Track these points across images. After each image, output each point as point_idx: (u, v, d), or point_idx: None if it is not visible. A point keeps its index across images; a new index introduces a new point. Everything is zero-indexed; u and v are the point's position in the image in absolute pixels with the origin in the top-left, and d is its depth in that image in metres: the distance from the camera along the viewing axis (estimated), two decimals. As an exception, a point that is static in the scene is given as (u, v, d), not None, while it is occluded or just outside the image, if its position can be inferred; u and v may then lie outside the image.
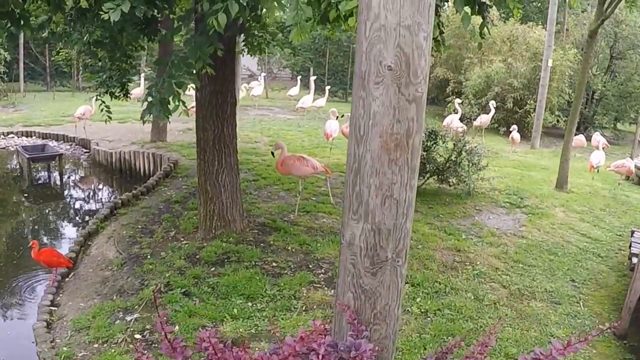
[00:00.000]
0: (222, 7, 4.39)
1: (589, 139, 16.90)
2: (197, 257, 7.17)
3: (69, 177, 13.79)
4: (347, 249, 2.80)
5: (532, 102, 20.05)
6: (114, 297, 6.34)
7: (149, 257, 7.31)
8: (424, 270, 7.06)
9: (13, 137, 16.52)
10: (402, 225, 2.70)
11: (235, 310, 5.84)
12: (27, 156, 12.57)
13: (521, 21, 22.95)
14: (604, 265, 8.09)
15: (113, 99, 8.23)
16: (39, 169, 13.60)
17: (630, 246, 7.63)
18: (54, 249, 7.15)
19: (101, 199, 12.18)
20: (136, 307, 6.03)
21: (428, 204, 10.03)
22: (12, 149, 15.01)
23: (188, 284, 6.40)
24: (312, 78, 21.13)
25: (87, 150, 14.97)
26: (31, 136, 16.65)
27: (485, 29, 6.71)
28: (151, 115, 5.41)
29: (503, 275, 7.23)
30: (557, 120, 21.10)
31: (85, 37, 5.51)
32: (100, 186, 13.34)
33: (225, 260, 7.03)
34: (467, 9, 5.66)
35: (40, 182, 13.27)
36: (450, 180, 10.42)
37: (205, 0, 4.54)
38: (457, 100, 17.65)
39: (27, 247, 6.88)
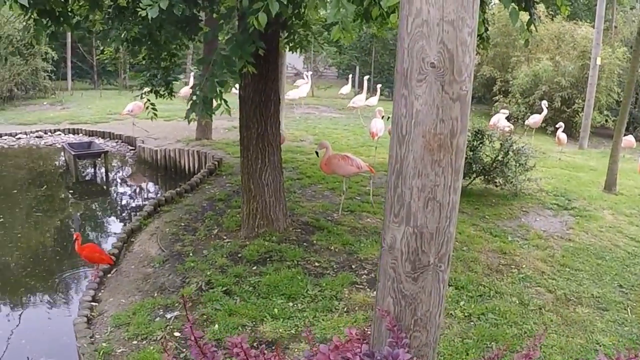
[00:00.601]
0: (262, 5, 4.33)
1: (638, 139, 16.46)
2: (239, 255, 7.14)
3: (114, 174, 13.93)
4: (388, 253, 2.72)
5: (580, 101, 19.63)
6: (155, 294, 6.35)
7: (190, 254, 7.31)
8: (468, 273, 6.92)
9: (60, 135, 16.80)
10: (445, 229, 2.61)
11: (275, 310, 5.79)
12: (73, 153, 12.72)
13: (569, 18, 22.49)
14: (653, 270, 7.84)
15: (158, 97, 8.25)
16: (85, 165, 13.77)
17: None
18: (97, 245, 7.21)
19: (145, 196, 12.26)
20: (176, 304, 6.03)
21: (474, 204, 9.86)
22: (59, 146, 15.22)
23: (229, 283, 6.37)
24: (366, 77, 20.94)
25: (133, 148, 15.12)
26: (78, 133, 16.93)
27: (533, 25, 6.51)
28: (195, 114, 5.39)
29: (549, 280, 7.04)
30: (606, 120, 20.59)
31: (123, 35, 5.50)
32: (145, 183, 13.46)
33: (267, 259, 6.99)
34: (515, 5, 5.50)
35: (85, 178, 13.46)
36: (497, 180, 10.22)
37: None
38: (503, 111, 17.34)
39: (71, 241, 6.91)
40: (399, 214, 2.62)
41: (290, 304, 5.97)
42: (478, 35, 6.64)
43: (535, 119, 16.80)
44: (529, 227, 8.96)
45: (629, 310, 6.48)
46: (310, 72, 24.63)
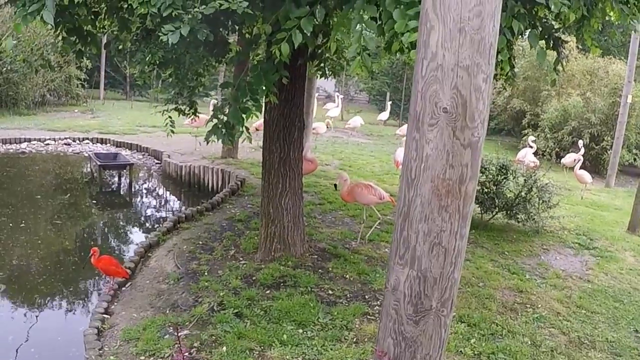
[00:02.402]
0: (286, 36, 4.36)
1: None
2: (254, 278, 7.14)
3: (138, 187, 14.06)
4: (391, 294, 2.71)
5: (609, 138, 19.42)
6: (167, 311, 6.36)
7: (206, 274, 7.32)
8: (482, 310, 6.84)
9: (88, 143, 17.01)
10: (449, 274, 2.59)
11: (284, 336, 5.76)
12: (99, 163, 12.89)
13: (602, 55, 22.32)
14: (673, 316, 7.69)
15: (180, 115, 8.31)
16: (110, 176, 13.90)
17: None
18: (113, 258, 7.25)
19: (168, 211, 12.32)
20: (187, 323, 6.02)
21: (494, 239, 9.77)
22: (86, 155, 15.41)
23: (241, 305, 6.36)
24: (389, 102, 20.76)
25: (159, 162, 15.24)
26: (106, 143, 17.12)
27: (560, 65, 6.49)
28: (215, 138, 5.42)
29: (564, 321, 6.92)
30: (634, 159, 20.32)
31: (148, 58, 5.58)
32: (168, 198, 13.55)
33: (282, 284, 6.98)
34: (542, 43, 5.49)
35: (110, 189, 13.58)
36: (519, 216, 10.12)
37: (268, 24, 4.52)
38: (531, 138, 17.20)
39: (89, 254, 6.98)
40: (403, 256, 2.62)
41: (300, 330, 5.94)
42: (504, 74, 6.64)
43: (571, 158, 16.48)
44: (548, 266, 8.84)
45: (644, 357, 6.37)
46: (342, 96, 24.65)
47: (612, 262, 9.36)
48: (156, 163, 15.40)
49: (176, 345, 5.34)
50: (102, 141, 17.28)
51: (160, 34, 4.33)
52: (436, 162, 2.44)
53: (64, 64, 22.07)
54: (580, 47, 21.96)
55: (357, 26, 3.86)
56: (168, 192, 13.83)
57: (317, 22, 4.42)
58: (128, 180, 13.53)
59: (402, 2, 3.62)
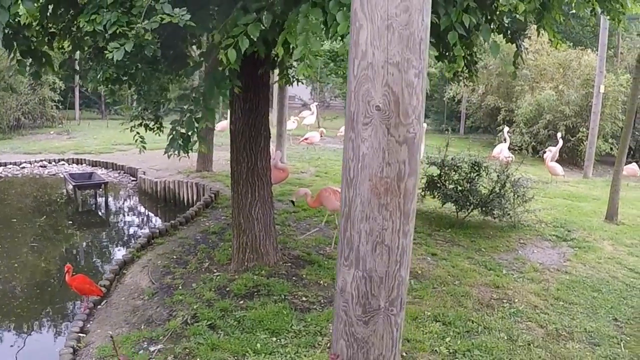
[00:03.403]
0: (232, 42, 4.34)
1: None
2: (227, 289, 7.10)
3: (114, 205, 13.98)
4: (340, 296, 2.69)
5: (584, 129, 19.56)
6: (142, 327, 6.32)
7: (180, 287, 7.27)
8: (457, 308, 6.82)
9: (64, 164, 16.91)
10: (395, 272, 2.57)
11: (258, 345, 5.72)
12: (74, 184, 12.81)
13: (574, 46, 22.49)
14: (651, 302, 7.71)
15: (147, 130, 8.25)
16: (86, 196, 13.79)
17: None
18: (86, 277, 7.19)
19: (143, 227, 12.24)
20: (161, 337, 5.99)
21: (471, 237, 9.77)
22: (62, 176, 15.30)
23: (214, 317, 6.32)
24: None
25: (135, 179, 15.16)
26: (82, 163, 17.03)
27: (520, 58, 6.49)
28: (173, 150, 5.39)
29: (541, 314, 6.91)
30: (611, 148, 20.42)
31: (99, 76, 5.53)
32: (144, 215, 13.47)
33: (255, 294, 6.94)
34: (498, 38, 5.49)
35: (86, 209, 13.46)
36: (495, 212, 10.12)
37: (216, 32, 4.50)
38: (506, 129, 17.27)
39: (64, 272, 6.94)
40: (348, 257, 2.59)
41: (274, 339, 5.90)
42: (467, 69, 6.65)
43: (552, 152, 16.51)
44: (525, 260, 8.85)
45: (622, 345, 6.35)
46: (316, 104, 24.64)
47: (590, 252, 9.39)
48: (132, 180, 15.32)
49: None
50: (78, 161, 17.19)
51: (106, 51, 4.31)
52: (373, 161, 2.42)
53: (37, 87, 21.92)
54: (552, 40, 22.10)
55: (302, 29, 3.85)
56: (144, 209, 13.76)
57: (264, 28, 4.39)
58: (103, 199, 13.42)
59: (344, 4, 3.61)
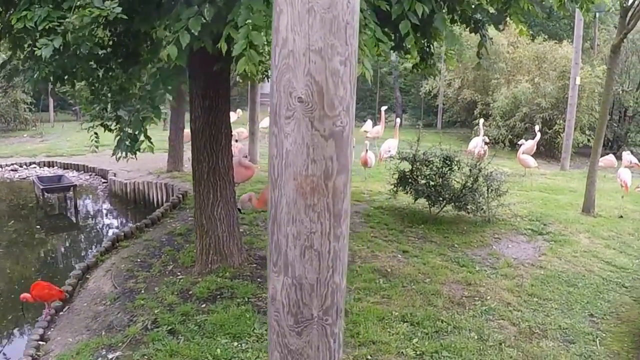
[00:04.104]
0: (173, 38, 4.12)
1: (621, 158, 16.17)
2: (190, 292, 6.89)
3: (83, 208, 13.70)
4: (272, 305, 2.47)
5: (561, 122, 19.48)
6: (102, 333, 6.12)
7: (142, 292, 7.07)
8: (427, 307, 6.63)
9: (35, 167, 16.60)
10: (327, 279, 2.35)
11: (218, 351, 5.54)
12: (42, 187, 12.56)
13: (551, 39, 22.41)
14: (627, 296, 7.55)
15: (106, 131, 7.99)
16: (55, 199, 13.51)
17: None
18: (43, 282, 6.95)
19: (112, 229, 11.98)
20: (120, 344, 5.81)
21: (444, 233, 9.59)
22: (32, 180, 15.01)
23: (175, 322, 6.14)
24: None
25: (106, 181, 14.88)
26: (53, 166, 16.75)
27: (484, 49, 6.31)
28: (120, 151, 5.16)
29: (514, 311, 6.73)
30: (588, 140, 20.33)
31: (36, 75, 5.29)
32: (114, 217, 13.23)
33: (218, 296, 6.73)
34: (461, 29, 5.30)
35: (54, 212, 13.19)
36: (469, 207, 9.94)
37: (160, 28, 4.27)
38: (482, 122, 17.15)
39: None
40: (277, 263, 2.38)
41: (235, 343, 5.71)
42: (423, 61, 6.47)
43: (529, 145, 16.35)
44: (499, 255, 8.69)
45: (597, 341, 6.19)
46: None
47: (566, 246, 9.25)
48: (103, 182, 15.07)
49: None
50: (50, 164, 16.91)
51: (35, 48, 4.09)
52: (297, 158, 2.20)
53: (8, 89, 21.55)
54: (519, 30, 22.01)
55: (244, 22, 3.63)
56: (114, 211, 13.53)
57: (206, 22, 4.16)
58: (73, 202, 13.14)
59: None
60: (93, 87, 6.41)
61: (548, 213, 11.10)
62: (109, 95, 6.90)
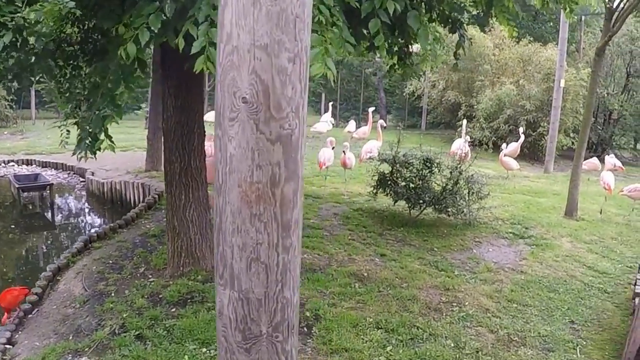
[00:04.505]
0: (132, 35, 3.92)
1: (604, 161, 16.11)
2: (160, 296, 6.70)
3: (59, 208, 13.45)
4: (219, 319, 2.31)
5: (545, 124, 19.40)
6: (70, 337, 5.93)
7: (112, 294, 6.86)
8: (402, 314, 6.46)
9: (13, 165, 16.31)
10: (276, 294, 2.19)
11: (186, 357, 5.36)
12: (17, 185, 12.33)
13: (536, 41, 22.34)
14: (609, 302, 7.42)
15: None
16: (32, 198, 13.27)
17: (635, 284, 6.97)
18: (9, 289, 6.76)
19: (88, 230, 11.75)
20: (86, 349, 5.62)
21: (424, 236, 9.45)
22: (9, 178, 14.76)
23: (143, 326, 5.95)
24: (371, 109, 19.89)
25: (84, 180, 14.64)
26: (31, 164, 16.45)
27: (462, 49, 6.16)
28: (80, 151, 4.97)
29: (493, 318, 6.58)
30: (573, 143, 20.25)
31: None
32: (89, 217, 13.00)
33: (189, 300, 6.54)
34: (437, 29, 5.14)
35: (30, 211, 12.95)
36: (449, 210, 9.80)
37: (120, 24, 4.08)
38: (465, 123, 17.05)
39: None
40: (223, 275, 2.22)
41: (204, 349, 5.53)
42: (400, 61, 6.30)
43: (512, 147, 16.24)
44: (479, 259, 8.56)
45: (577, 349, 6.05)
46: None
47: (548, 250, 9.14)
48: (81, 181, 14.81)
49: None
50: (28, 162, 16.59)
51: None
52: (241, 163, 2.04)
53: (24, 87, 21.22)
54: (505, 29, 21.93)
55: (205, 17, 3.46)
56: (90, 210, 13.30)
57: (166, 18, 3.98)
58: (49, 202, 12.90)
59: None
60: (60, 85, 6.20)
61: (530, 216, 11.00)
62: (84, 93, 6.72)
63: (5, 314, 6.58)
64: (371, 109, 18.50)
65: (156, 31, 3.95)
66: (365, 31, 5.00)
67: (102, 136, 5.31)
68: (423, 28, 4.72)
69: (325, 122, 19.37)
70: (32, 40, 4.18)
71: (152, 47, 7.59)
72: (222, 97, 2.05)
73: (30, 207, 13.08)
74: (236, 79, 2.00)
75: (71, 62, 5.75)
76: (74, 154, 5.21)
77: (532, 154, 20.58)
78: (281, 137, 2.02)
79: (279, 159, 2.03)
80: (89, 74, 6.45)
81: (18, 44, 4.08)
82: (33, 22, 3.89)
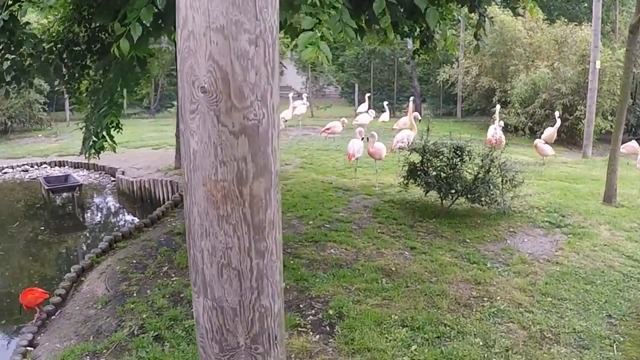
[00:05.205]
0: (125, 31, 3.74)
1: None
2: (181, 295, 6.59)
3: (89, 208, 13.48)
4: (197, 329, 2.12)
5: (582, 107, 18.85)
6: (90, 339, 5.86)
7: (134, 294, 6.78)
8: (430, 310, 6.19)
9: (46, 167, 16.44)
10: (252, 302, 1.98)
11: (202, 358, 5.19)
12: (47, 187, 12.37)
13: (570, 22, 21.74)
14: (650, 294, 7.04)
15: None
16: (63, 199, 13.31)
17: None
18: (30, 289, 6.71)
19: (117, 229, 11.70)
20: (104, 350, 5.55)
21: (456, 227, 9.14)
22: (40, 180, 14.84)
23: (162, 327, 5.85)
24: (412, 99, 19.89)
25: (115, 179, 14.66)
26: (64, 166, 16.55)
27: (482, 30, 5.86)
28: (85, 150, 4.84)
29: (525, 313, 6.22)
30: (611, 126, 19.65)
31: None
32: (119, 216, 12.98)
33: (209, 300, 6.38)
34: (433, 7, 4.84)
35: (60, 212, 13.00)
36: (482, 199, 9.47)
37: (116, 21, 3.90)
38: (498, 107, 16.68)
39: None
40: (196, 282, 2.03)
41: (222, 352, 5.34)
42: (424, 44, 6.04)
43: (549, 132, 15.84)
44: (513, 250, 8.22)
45: (614, 347, 5.63)
46: (306, 94, 24.22)
47: (585, 239, 8.73)
48: (112, 181, 14.84)
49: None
50: (60, 164, 16.71)
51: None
52: (204, 160, 1.84)
53: (21, 90, 21.39)
54: (546, 16, 21.39)
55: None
56: (120, 210, 13.28)
57: (158, 11, 3.78)
58: (79, 202, 12.91)
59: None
60: (69, 85, 6.10)
61: (567, 204, 10.58)
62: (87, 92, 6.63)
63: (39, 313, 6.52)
64: (412, 99, 18.36)
65: (148, 25, 3.76)
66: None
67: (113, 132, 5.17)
68: (431, 8, 4.44)
69: (365, 112, 19.29)
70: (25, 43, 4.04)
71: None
72: (183, 88, 1.85)
73: (63, 208, 13.11)
74: (194, 67, 1.80)
75: (79, 62, 5.62)
76: (80, 153, 5.10)
77: (569, 138, 20.06)
78: (246, 128, 1.81)
79: (244, 154, 1.83)
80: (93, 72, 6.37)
81: (12, 46, 3.96)
82: (23, 23, 3.75)
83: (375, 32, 5.72)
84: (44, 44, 4.70)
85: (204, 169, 1.84)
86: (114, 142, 5.18)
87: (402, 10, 5.39)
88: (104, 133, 4.88)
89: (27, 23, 3.75)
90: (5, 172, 16.10)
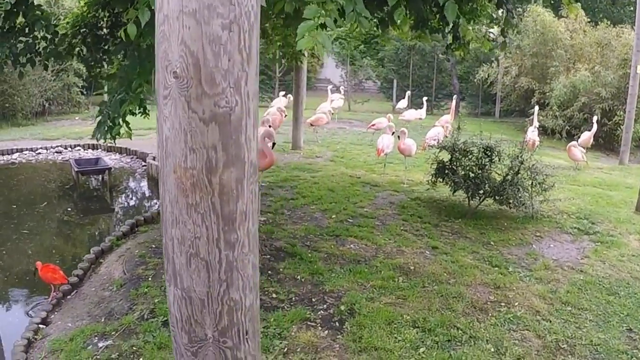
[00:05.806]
0: (133, 15, 3.72)
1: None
2: (195, 282, 6.56)
3: (118, 191, 13.58)
4: (170, 318, 2.09)
5: (622, 113, 18.43)
6: (102, 320, 5.94)
7: (149, 279, 6.84)
8: (443, 312, 6.08)
9: (79, 150, 16.60)
10: (220, 295, 1.94)
11: (208, 345, 5.18)
12: (76, 169, 12.48)
13: (615, 25, 21.27)
14: (675, 309, 6.80)
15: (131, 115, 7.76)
16: (92, 182, 13.44)
17: None
18: (50, 265, 6.78)
19: (144, 213, 11.76)
20: (113, 332, 5.63)
21: (481, 228, 9.01)
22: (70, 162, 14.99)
23: (171, 312, 5.82)
24: (455, 97, 19.87)
25: (145, 164, 14.75)
26: (97, 149, 16.65)
27: (511, 27, 5.71)
28: (99, 135, 4.85)
29: (542, 321, 6.06)
30: (651, 133, 19.33)
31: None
32: (147, 200, 13.03)
33: (219, 286, 6.38)
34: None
35: (88, 195, 13.11)
36: (511, 201, 9.31)
37: (132, 9, 3.87)
38: (536, 108, 16.41)
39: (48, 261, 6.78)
40: (167, 270, 2.00)
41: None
42: (456, 40, 5.91)
43: (585, 137, 15.56)
44: (537, 256, 8.05)
45: (632, 362, 5.50)
46: (344, 88, 24.21)
47: (613, 248, 8.49)
48: (143, 165, 14.92)
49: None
50: (94, 147, 16.79)
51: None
52: (175, 146, 1.79)
53: (60, 72, 21.69)
54: (590, 18, 20.99)
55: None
56: (148, 194, 13.32)
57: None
58: (108, 185, 13.03)
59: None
60: (91, 70, 6.13)
61: (598, 211, 10.34)
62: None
63: (53, 292, 6.63)
64: (455, 97, 18.26)
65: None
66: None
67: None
68: (450, 2, 4.31)
69: (413, 109, 19.36)
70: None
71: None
72: (158, 73, 1.81)
73: (92, 190, 13.24)
74: (167, 52, 1.75)
75: (101, 45, 5.63)
76: (92, 136, 5.10)
77: (607, 144, 19.65)
78: (216, 116, 1.76)
79: (214, 142, 1.78)
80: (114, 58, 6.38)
81: (27, 29, 3.97)
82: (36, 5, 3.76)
83: (397, 26, 5.60)
84: (56, 28, 4.70)
85: (175, 155, 1.80)
86: (129, 128, 5.19)
87: (430, 5, 5.30)
88: (120, 120, 4.87)
89: (39, 5, 3.74)
90: (40, 153, 16.27)
